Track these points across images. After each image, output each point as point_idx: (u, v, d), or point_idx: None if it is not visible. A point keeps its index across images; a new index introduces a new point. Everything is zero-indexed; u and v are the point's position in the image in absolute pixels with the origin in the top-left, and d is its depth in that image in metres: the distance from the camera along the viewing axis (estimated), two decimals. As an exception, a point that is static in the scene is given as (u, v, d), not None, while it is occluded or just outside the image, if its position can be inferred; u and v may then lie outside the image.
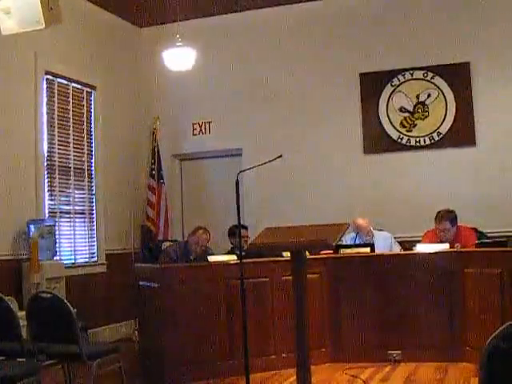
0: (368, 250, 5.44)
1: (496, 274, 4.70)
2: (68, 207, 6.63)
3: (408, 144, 6.95)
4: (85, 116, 6.94)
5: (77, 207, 6.76)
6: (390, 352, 5.07)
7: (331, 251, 5.30)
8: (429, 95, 6.90)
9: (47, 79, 6.37)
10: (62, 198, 6.54)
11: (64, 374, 4.14)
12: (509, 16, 6.64)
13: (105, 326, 6.85)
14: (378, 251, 5.48)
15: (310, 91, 7.27)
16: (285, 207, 7.13)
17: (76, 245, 6.71)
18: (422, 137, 6.90)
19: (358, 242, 5.87)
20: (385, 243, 5.83)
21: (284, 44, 7.39)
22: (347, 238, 5.88)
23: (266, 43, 7.46)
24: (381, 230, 6.09)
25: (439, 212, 5.55)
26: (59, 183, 6.48)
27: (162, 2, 7.03)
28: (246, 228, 6.28)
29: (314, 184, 7.17)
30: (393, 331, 5.11)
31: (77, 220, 6.76)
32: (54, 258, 6.01)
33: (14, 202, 5.79)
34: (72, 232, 6.67)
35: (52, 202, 6.38)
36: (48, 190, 6.31)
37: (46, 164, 6.28)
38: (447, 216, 5.48)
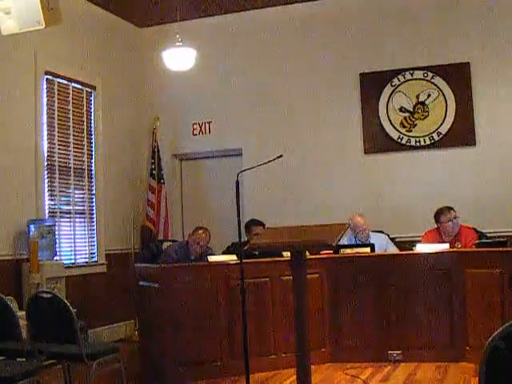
0: (368, 250, 5.45)
1: (496, 274, 4.71)
2: (68, 207, 6.63)
3: (408, 144, 6.94)
4: (85, 116, 6.94)
5: (77, 207, 6.76)
6: (390, 352, 5.07)
7: (331, 251, 5.30)
8: (429, 95, 6.90)
9: (47, 79, 6.37)
10: (62, 198, 6.54)
11: (64, 374, 4.14)
12: (509, 16, 6.64)
13: (105, 326, 6.85)
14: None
15: (310, 91, 7.27)
16: (285, 207, 7.13)
17: (76, 245, 6.71)
18: (421, 137, 6.90)
19: (355, 242, 5.87)
20: (380, 245, 5.81)
21: (284, 44, 7.38)
22: (344, 240, 5.86)
23: (265, 43, 7.45)
24: (378, 231, 6.09)
25: (440, 209, 5.58)
26: (59, 183, 6.48)
27: (162, 2, 7.03)
28: (263, 225, 5.94)
29: (314, 184, 7.17)
30: (393, 331, 5.12)
31: (77, 220, 6.76)
32: (54, 258, 6.01)
33: (13, 202, 5.79)
34: (72, 232, 6.67)
35: (52, 202, 6.38)
36: (48, 190, 6.30)
37: (46, 164, 6.28)
38: (450, 207, 5.57)
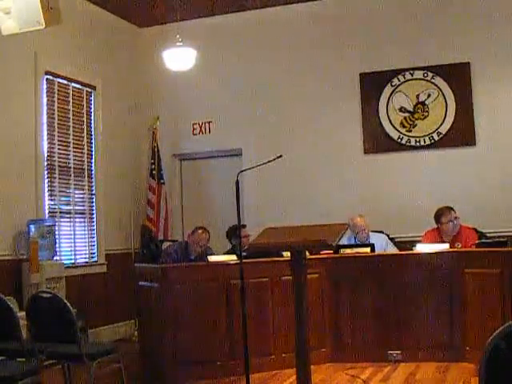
0: (368, 250, 5.45)
1: (496, 274, 4.70)
2: (68, 207, 6.63)
3: (408, 144, 6.94)
4: (85, 116, 6.94)
5: (77, 207, 6.76)
6: (390, 352, 5.07)
7: (331, 251, 5.30)
8: (429, 95, 6.90)
9: (47, 79, 6.37)
10: (62, 198, 6.54)
11: (64, 374, 4.14)
12: (509, 16, 6.64)
13: (105, 326, 6.85)
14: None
15: (310, 91, 7.27)
16: (285, 207, 7.13)
17: (76, 245, 6.71)
18: (422, 137, 6.90)
19: (354, 242, 5.87)
20: (380, 245, 5.80)
21: (284, 44, 7.38)
22: (344, 240, 5.86)
23: (266, 43, 7.46)
24: (378, 231, 6.09)
25: (440, 209, 5.58)
26: (59, 183, 6.48)
27: (162, 2, 7.03)
28: (244, 226, 6.20)
29: (314, 184, 7.17)
30: (393, 331, 5.12)
31: (77, 220, 6.76)
32: (54, 258, 6.01)
33: (14, 202, 5.79)
34: (72, 232, 6.67)
35: (52, 202, 6.38)
36: (48, 190, 6.31)
37: (46, 164, 6.28)
38: (450, 207, 5.57)
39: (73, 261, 6.62)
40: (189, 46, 6.34)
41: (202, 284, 4.96)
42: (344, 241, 5.80)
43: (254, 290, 4.93)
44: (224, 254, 5.82)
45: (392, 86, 7.02)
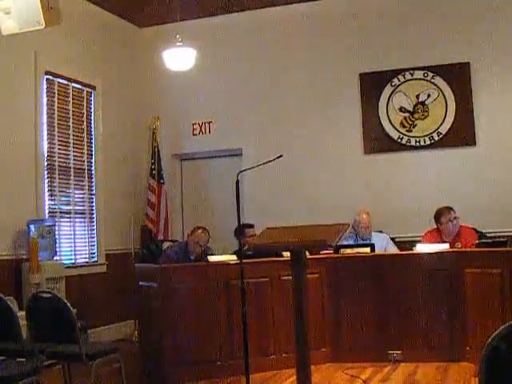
0: (368, 250, 5.45)
1: (496, 274, 4.70)
2: (68, 207, 6.63)
3: (408, 144, 6.94)
4: (85, 116, 6.94)
5: (77, 207, 6.76)
6: (390, 352, 5.07)
7: (331, 251, 5.30)
8: (429, 95, 6.90)
9: (47, 79, 6.37)
10: (62, 198, 6.54)
11: (64, 374, 4.14)
12: (509, 16, 6.64)
13: (105, 326, 6.85)
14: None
15: (310, 91, 7.27)
16: (285, 207, 7.13)
17: (76, 245, 6.71)
18: (421, 137, 6.90)
19: (355, 242, 5.87)
20: (380, 244, 5.80)
21: (284, 44, 7.39)
22: (349, 241, 5.86)
23: (265, 43, 7.46)
24: (378, 231, 6.09)
25: (440, 209, 5.58)
26: (59, 183, 6.48)
27: (162, 1, 7.03)
28: (252, 226, 6.20)
29: (314, 184, 7.17)
30: (393, 331, 5.12)
31: (77, 220, 6.76)
32: (54, 258, 6.01)
33: (14, 202, 5.79)
34: (72, 232, 6.67)
35: (52, 202, 6.38)
36: (48, 190, 6.31)
37: (46, 164, 6.28)
38: (450, 207, 5.57)
39: (73, 261, 6.62)
40: (189, 46, 6.35)
41: (202, 284, 4.96)
42: (350, 241, 5.81)
43: (254, 289, 4.93)
44: (230, 254, 5.78)
45: (392, 86, 7.02)
